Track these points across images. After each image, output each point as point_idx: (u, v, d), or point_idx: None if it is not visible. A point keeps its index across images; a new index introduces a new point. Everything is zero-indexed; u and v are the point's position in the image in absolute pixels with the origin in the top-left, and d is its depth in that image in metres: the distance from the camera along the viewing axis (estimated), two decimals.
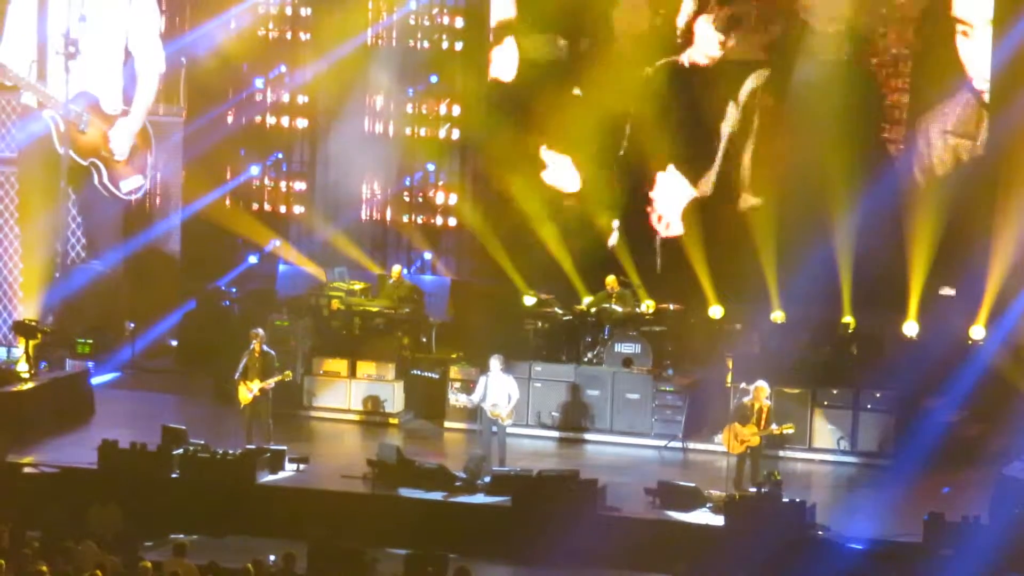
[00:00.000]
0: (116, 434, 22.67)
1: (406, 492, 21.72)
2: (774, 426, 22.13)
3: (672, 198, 28.84)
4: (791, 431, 22.77)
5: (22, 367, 25.47)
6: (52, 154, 27.90)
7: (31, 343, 25.61)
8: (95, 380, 26.92)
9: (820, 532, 20.56)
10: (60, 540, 17.73)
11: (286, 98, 30.54)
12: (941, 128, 27.55)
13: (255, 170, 30.67)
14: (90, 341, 27.90)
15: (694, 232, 28.43)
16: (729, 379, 24.24)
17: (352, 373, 26.34)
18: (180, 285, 29.51)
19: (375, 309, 27.24)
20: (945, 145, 27.55)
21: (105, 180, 28.23)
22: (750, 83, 28.43)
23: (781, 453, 24.35)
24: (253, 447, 22.54)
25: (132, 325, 28.55)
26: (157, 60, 28.89)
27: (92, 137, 28.13)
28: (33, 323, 26.18)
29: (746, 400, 22.25)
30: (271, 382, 23.24)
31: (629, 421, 25.42)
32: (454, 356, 26.54)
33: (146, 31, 28.81)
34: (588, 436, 25.48)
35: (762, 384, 22.22)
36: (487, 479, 21.92)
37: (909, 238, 26.98)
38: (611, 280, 26.85)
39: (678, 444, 25.07)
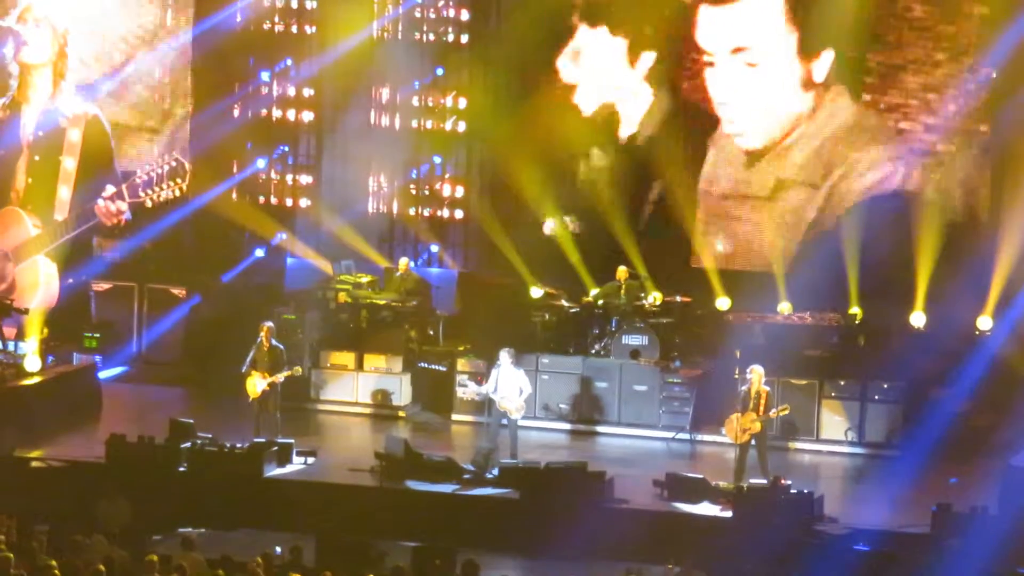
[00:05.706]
0: (124, 428, 22.73)
1: (414, 485, 21.73)
2: (773, 411, 22.07)
3: None
4: (786, 412, 22.71)
5: (31, 363, 25.42)
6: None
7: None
8: (102, 374, 26.97)
9: (828, 523, 20.55)
10: (68, 534, 17.74)
11: (292, 91, 30.48)
12: None
13: (261, 163, 30.60)
14: (97, 335, 27.91)
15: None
16: (737, 371, 24.20)
17: (359, 366, 26.37)
18: (187, 278, 29.50)
19: (382, 302, 27.24)
20: None
21: None
22: None
23: (789, 444, 24.37)
24: (261, 440, 22.55)
25: None
26: None
27: None
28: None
29: (744, 388, 22.20)
30: (280, 377, 23.24)
31: (637, 413, 25.42)
32: (461, 349, 26.54)
33: None
34: (596, 428, 25.48)
35: (757, 368, 22.09)
36: (495, 472, 21.92)
37: (916, 228, 26.95)
38: (622, 271, 26.81)
39: (686, 436, 25.06)
